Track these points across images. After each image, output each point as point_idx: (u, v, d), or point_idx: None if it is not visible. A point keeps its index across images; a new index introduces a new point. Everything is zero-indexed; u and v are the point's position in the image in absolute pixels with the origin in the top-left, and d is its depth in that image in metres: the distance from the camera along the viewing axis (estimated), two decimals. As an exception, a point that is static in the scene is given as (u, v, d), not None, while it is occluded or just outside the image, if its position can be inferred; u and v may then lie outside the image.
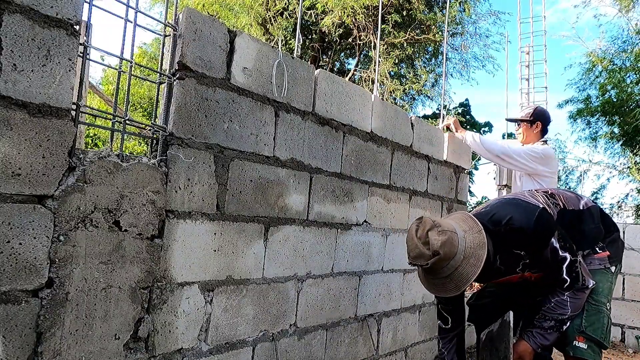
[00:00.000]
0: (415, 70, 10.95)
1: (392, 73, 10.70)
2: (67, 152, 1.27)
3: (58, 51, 1.23)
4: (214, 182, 1.68)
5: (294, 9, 9.66)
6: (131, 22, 1.48)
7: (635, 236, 4.56)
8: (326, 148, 2.18)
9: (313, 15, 9.61)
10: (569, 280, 1.84)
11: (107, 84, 13.33)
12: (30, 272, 1.20)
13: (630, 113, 10.96)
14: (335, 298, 2.27)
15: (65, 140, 1.26)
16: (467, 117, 16.81)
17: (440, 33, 9.86)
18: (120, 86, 1.51)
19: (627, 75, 11.58)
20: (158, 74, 1.59)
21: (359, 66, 11.19)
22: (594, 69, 12.63)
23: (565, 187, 13.43)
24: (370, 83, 10.11)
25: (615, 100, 11.79)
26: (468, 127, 15.16)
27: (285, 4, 9.75)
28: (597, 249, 2.05)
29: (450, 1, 9.85)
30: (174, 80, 1.56)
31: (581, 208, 2.07)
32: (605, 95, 12.16)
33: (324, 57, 11.11)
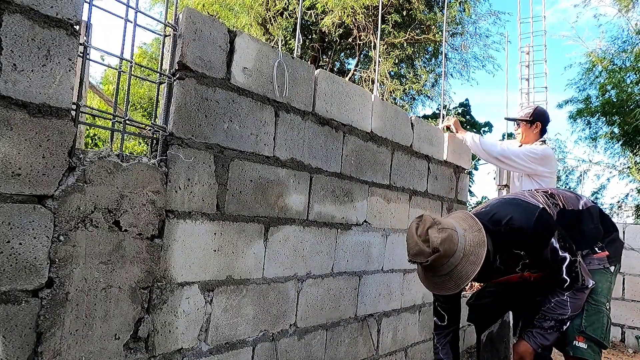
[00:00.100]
0: (415, 70, 10.95)
1: (392, 73, 10.70)
2: (67, 152, 1.27)
3: (58, 51, 1.23)
4: (214, 182, 1.68)
5: (294, 9, 9.66)
6: (131, 22, 1.48)
7: (635, 236, 4.56)
8: (326, 148, 2.18)
9: (313, 15, 9.61)
10: (568, 280, 1.84)
11: (107, 83, 13.33)
12: (30, 272, 1.20)
13: (630, 113, 10.96)
14: (335, 298, 2.27)
15: (65, 140, 1.26)
16: (467, 117, 16.80)
17: (440, 33, 9.86)
18: (120, 86, 1.51)
19: (627, 75, 11.58)
20: (158, 74, 1.59)
21: (359, 66, 11.19)
22: (594, 69, 12.64)
23: (565, 187, 13.43)
24: (370, 83, 10.11)
25: (615, 100, 11.79)
26: (468, 127, 15.17)
27: (285, 4, 9.75)
28: (596, 249, 2.05)
29: (450, 1, 9.85)
30: (174, 80, 1.56)
31: (581, 208, 2.07)
32: (605, 95, 12.16)
33: (324, 57, 11.11)
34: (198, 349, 1.64)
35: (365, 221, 2.46)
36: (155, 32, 1.73)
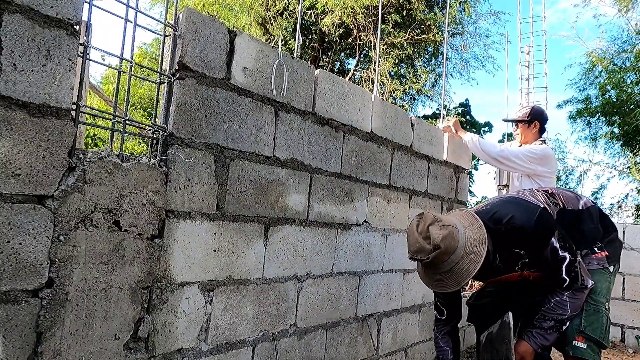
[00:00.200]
0: (415, 70, 10.95)
1: (392, 73, 10.70)
2: (67, 152, 1.27)
3: (58, 51, 1.23)
4: (214, 182, 1.68)
5: (294, 9, 9.66)
6: (131, 22, 1.48)
7: (635, 236, 4.56)
8: (326, 148, 2.18)
9: (313, 15, 9.61)
10: (568, 279, 1.84)
11: (107, 83, 13.33)
12: (30, 272, 1.20)
13: (630, 113, 10.95)
14: (335, 298, 2.27)
15: (65, 140, 1.26)
16: (467, 117, 16.81)
17: (440, 33, 9.86)
18: (120, 86, 1.51)
19: (627, 75, 11.57)
20: (158, 74, 1.59)
21: (359, 66, 11.19)
22: (594, 69, 12.63)
23: (565, 187, 13.41)
24: (370, 83, 10.11)
25: (615, 100, 11.78)
26: (468, 127, 15.17)
27: (285, 4, 9.75)
28: (595, 249, 2.05)
29: (450, 1, 9.85)
30: (174, 80, 1.56)
31: (580, 208, 2.07)
32: (605, 96, 12.15)
33: (324, 57, 11.11)
34: (198, 349, 1.64)
35: (365, 221, 2.46)
36: (155, 32, 1.73)
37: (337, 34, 9.75)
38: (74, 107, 1.31)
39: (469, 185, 7.86)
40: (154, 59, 12.24)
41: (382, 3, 9.07)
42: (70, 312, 1.28)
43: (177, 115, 1.55)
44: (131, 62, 1.51)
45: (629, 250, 4.45)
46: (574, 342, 1.93)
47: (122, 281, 1.40)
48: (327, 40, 10.67)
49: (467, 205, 3.58)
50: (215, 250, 1.69)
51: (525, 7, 17.44)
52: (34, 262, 1.20)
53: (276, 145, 1.93)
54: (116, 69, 1.51)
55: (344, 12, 9.05)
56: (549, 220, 1.86)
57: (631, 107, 11.12)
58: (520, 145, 3.25)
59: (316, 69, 2.17)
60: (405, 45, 9.88)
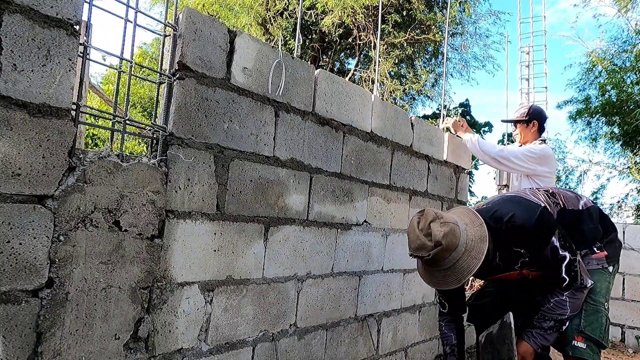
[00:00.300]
0: (415, 70, 10.95)
1: (392, 73, 10.70)
2: (67, 152, 1.27)
3: (58, 51, 1.23)
4: (214, 182, 1.68)
5: (294, 9, 9.66)
6: (131, 22, 1.48)
7: (635, 236, 4.56)
8: (326, 148, 2.18)
9: (313, 15, 9.61)
10: (567, 279, 1.84)
11: (107, 83, 13.33)
12: (30, 272, 1.20)
13: (630, 113, 10.95)
14: (335, 298, 2.27)
15: (65, 140, 1.26)
16: (467, 117, 16.81)
17: (440, 33, 9.87)
18: (120, 86, 1.51)
19: (627, 75, 11.57)
20: (158, 74, 1.59)
21: (359, 66, 11.19)
22: (594, 69, 12.63)
23: (565, 187, 13.41)
24: (370, 83, 10.11)
25: (615, 100, 11.78)
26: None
27: (285, 4, 9.76)
28: (594, 249, 2.05)
29: (450, 1, 9.85)
30: (174, 80, 1.56)
31: (581, 208, 2.07)
32: (605, 96, 12.15)
33: (324, 57, 11.11)
34: (198, 349, 1.64)
35: (365, 221, 2.46)
36: (155, 32, 1.73)
37: (337, 34, 9.75)
38: (74, 107, 1.31)
39: (469, 185, 7.86)
40: (154, 59, 12.24)
41: (382, 3, 9.07)
42: (70, 312, 1.28)
43: (177, 115, 1.55)
44: (131, 62, 1.51)
45: (629, 250, 4.45)
46: (573, 342, 1.93)
47: (122, 281, 1.40)
48: (327, 40, 10.68)
49: (467, 205, 3.58)
50: (215, 250, 1.69)
51: (525, 7, 17.45)
52: (34, 262, 1.20)
53: (276, 145, 1.93)
54: (116, 69, 1.51)
55: (344, 12, 9.05)
56: (550, 219, 1.87)
57: (631, 107, 11.12)
58: (521, 146, 3.25)
59: (316, 69, 2.17)
60: (405, 45, 9.88)
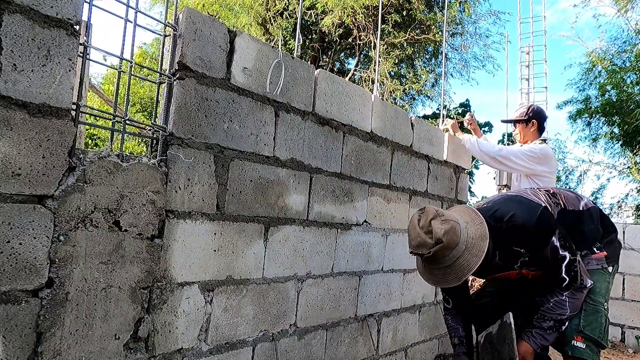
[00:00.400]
0: (415, 70, 10.95)
1: (392, 73, 10.70)
2: (67, 152, 1.27)
3: (58, 51, 1.23)
4: (214, 182, 1.68)
5: (294, 9, 9.66)
6: (131, 22, 1.48)
7: (635, 236, 4.56)
8: (326, 148, 2.18)
9: (313, 15, 9.61)
10: (567, 279, 1.84)
11: (107, 83, 13.34)
12: (30, 272, 1.20)
13: (631, 113, 10.95)
14: (335, 298, 2.27)
15: (65, 140, 1.26)
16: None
17: (440, 33, 9.87)
18: (120, 86, 1.51)
19: (627, 75, 11.57)
20: (158, 74, 1.59)
21: (359, 66, 11.19)
22: (593, 69, 12.63)
23: (566, 187, 13.41)
24: (370, 83, 10.11)
25: (615, 100, 11.78)
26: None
27: (285, 4, 9.76)
28: (594, 249, 2.05)
29: (450, 1, 9.85)
30: (174, 80, 1.56)
31: (581, 209, 2.07)
32: (605, 96, 12.15)
33: (324, 57, 11.11)
34: (198, 349, 1.64)
35: (365, 221, 2.46)
36: (155, 32, 1.73)
37: (337, 34, 9.75)
38: (74, 107, 1.31)
39: (469, 185, 7.86)
40: (154, 59, 12.24)
41: (382, 3, 9.07)
42: (70, 312, 1.28)
43: (177, 115, 1.55)
44: (131, 62, 1.51)
45: (629, 250, 4.45)
46: (572, 342, 1.93)
47: (122, 281, 1.40)
48: (327, 40, 10.68)
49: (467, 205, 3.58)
50: (215, 250, 1.69)
51: (525, 7, 17.45)
52: (34, 262, 1.20)
53: (276, 145, 1.93)
54: (116, 69, 1.51)
55: (344, 12, 9.05)
56: (550, 219, 1.87)
57: (631, 107, 11.11)
58: (521, 146, 3.25)
59: (316, 69, 2.17)
60: (405, 45, 9.88)
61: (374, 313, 2.55)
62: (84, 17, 1.32)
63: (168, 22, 1.58)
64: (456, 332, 2.20)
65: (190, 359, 1.61)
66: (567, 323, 1.91)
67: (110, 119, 1.53)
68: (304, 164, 2.06)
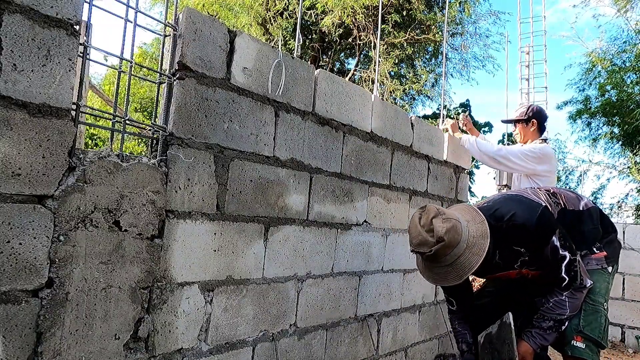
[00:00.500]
0: (415, 70, 10.95)
1: (392, 73, 10.70)
2: (67, 152, 1.27)
3: (58, 51, 1.23)
4: (214, 182, 1.68)
5: (294, 9, 9.66)
6: (131, 22, 1.48)
7: (635, 236, 4.56)
8: (326, 148, 2.18)
9: (313, 15, 9.61)
10: (567, 279, 1.84)
11: (108, 84, 13.33)
12: (30, 272, 1.20)
13: (630, 113, 10.95)
14: (335, 298, 2.27)
15: (65, 140, 1.26)
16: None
17: (440, 33, 9.87)
18: (120, 86, 1.51)
19: (627, 75, 11.57)
20: (158, 74, 1.59)
21: (359, 66, 11.19)
22: (593, 69, 12.63)
23: (566, 187, 13.41)
24: (370, 83, 10.11)
25: (615, 100, 11.78)
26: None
27: (285, 4, 9.76)
28: (594, 249, 2.05)
29: (450, 1, 9.85)
30: (174, 80, 1.56)
31: (581, 209, 2.07)
32: (605, 96, 12.15)
33: (324, 57, 11.11)
34: (198, 349, 1.64)
35: (365, 221, 2.46)
36: (155, 32, 1.73)
37: (337, 34, 9.75)
38: (74, 107, 1.31)
39: (469, 185, 7.87)
40: (154, 59, 12.24)
41: (382, 3, 9.07)
42: (70, 312, 1.28)
43: (177, 115, 1.55)
44: (131, 62, 1.51)
45: (629, 250, 4.45)
46: (572, 342, 1.93)
47: (122, 281, 1.40)
48: (327, 40, 10.67)
49: (467, 205, 3.58)
50: (215, 250, 1.69)
51: (525, 7, 17.45)
52: (34, 262, 1.20)
53: (276, 145, 1.93)
54: (116, 69, 1.51)
55: (344, 12, 9.05)
56: (550, 219, 1.87)
57: (631, 107, 11.11)
58: (522, 146, 3.24)
59: (316, 69, 2.17)
60: (405, 45, 9.88)
61: (374, 313, 2.55)
62: (84, 17, 1.32)
63: (168, 22, 1.58)
64: (464, 337, 2.18)
65: (190, 359, 1.61)
66: (566, 323, 1.91)
67: (110, 119, 1.53)
68: (304, 164, 2.06)
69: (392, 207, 2.66)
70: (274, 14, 9.92)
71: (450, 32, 10.65)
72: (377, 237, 2.56)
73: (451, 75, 11.80)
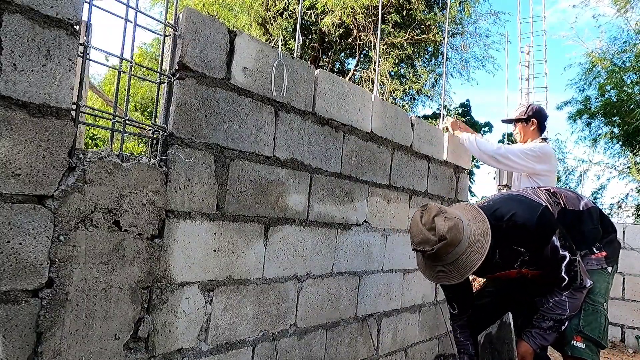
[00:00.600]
0: (415, 70, 10.95)
1: (392, 73, 10.70)
2: (67, 152, 1.27)
3: (58, 51, 1.23)
4: (214, 182, 1.68)
5: (294, 9, 9.66)
6: (131, 22, 1.48)
7: (635, 236, 4.56)
8: (326, 148, 2.18)
9: (313, 15, 9.61)
10: (567, 279, 1.84)
11: (108, 84, 13.33)
12: (30, 272, 1.20)
13: (630, 113, 10.95)
14: (335, 298, 2.27)
15: (65, 140, 1.26)
16: (467, 117, 16.81)
17: (440, 33, 9.87)
18: (120, 86, 1.51)
19: (627, 75, 11.57)
20: (158, 74, 1.59)
21: (359, 66, 11.19)
22: (593, 69, 12.63)
23: (566, 187, 13.40)
24: (370, 83, 10.11)
25: (615, 100, 11.78)
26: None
27: (285, 4, 9.76)
28: (594, 249, 2.05)
29: (450, 1, 9.85)
30: (174, 80, 1.56)
31: (581, 209, 2.07)
32: (605, 96, 12.16)
33: (324, 57, 11.11)
34: (198, 349, 1.64)
35: (365, 221, 2.46)
36: (155, 32, 1.73)
37: (337, 34, 9.75)
38: (74, 107, 1.31)
39: (469, 185, 7.87)
40: (154, 59, 12.24)
41: (382, 3, 9.07)
42: (70, 312, 1.28)
43: (177, 115, 1.55)
44: (131, 62, 1.51)
45: (629, 250, 4.45)
46: (572, 342, 1.93)
47: (122, 281, 1.40)
48: (327, 40, 10.67)
49: (467, 205, 3.58)
50: (215, 250, 1.69)
51: (525, 7, 17.44)
52: (34, 262, 1.20)
53: (276, 145, 1.93)
54: (116, 69, 1.51)
55: (344, 12, 9.05)
56: (551, 218, 1.87)
57: (631, 107, 11.11)
58: (522, 145, 3.24)
59: (316, 69, 2.17)
60: (405, 45, 9.88)
61: (374, 313, 2.55)
62: (84, 17, 1.32)
63: (168, 22, 1.58)
64: (466, 349, 2.16)
65: (190, 359, 1.61)
66: (566, 323, 1.91)
67: (110, 119, 1.53)
68: (304, 164, 2.06)
69: (392, 207, 2.66)
70: (274, 14, 9.92)
71: (450, 32, 10.65)
72: (377, 237, 2.56)
73: (451, 75, 11.81)
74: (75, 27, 1.27)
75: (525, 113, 3.18)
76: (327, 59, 11.11)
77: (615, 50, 12.30)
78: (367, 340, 2.50)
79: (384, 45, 9.86)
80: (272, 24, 10.03)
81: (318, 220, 2.15)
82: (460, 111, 15.17)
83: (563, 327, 1.91)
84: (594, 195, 14.06)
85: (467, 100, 17.88)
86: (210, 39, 1.65)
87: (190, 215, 1.60)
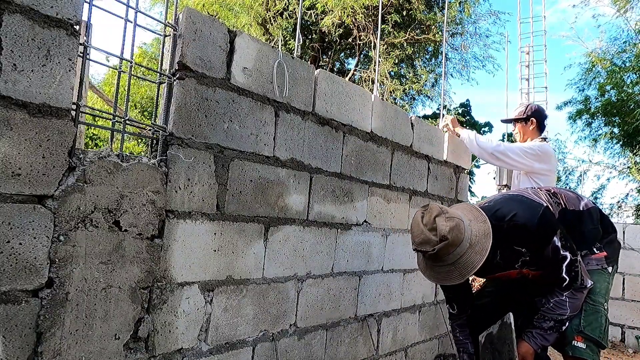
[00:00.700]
0: (415, 70, 10.95)
1: (392, 73, 10.70)
2: (67, 152, 1.27)
3: (58, 51, 1.23)
4: (214, 182, 1.68)
5: (294, 9, 9.66)
6: (131, 22, 1.48)
7: (635, 236, 4.56)
8: (326, 148, 2.18)
9: (313, 15, 9.61)
10: (567, 279, 1.84)
11: (107, 85, 13.33)
12: (30, 272, 1.20)
13: (630, 113, 10.95)
14: (335, 298, 2.27)
15: (65, 140, 1.26)
16: (467, 117, 16.81)
17: (440, 33, 9.87)
18: (120, 86, 1.51)
19: (627, 75, 11.57)
20: (158, 74, 1.59)
21: (359, 66, 11.19)
22: (593, 69, 12.63)
23: (566, 187, 13.41)
24: (370, 83, 10.11)
25: (615, 100, 11.78)
26: (467, 127, 15.14)
27: (285, 4, 9.76)
28: (594, 249, 2.05)
29: (450, 1, 9.85)
30: (174, 80, 1.56)
31: (581, 209, 2.07)
32: (605, 96, 12.16)
33: (324, 57, 11.11)
34: (198, 349, 1.64)
35: (365, 221, 2.46)
36: (155, 32, 1.73)
37: (337, 34, 9.75)
38: (74, 107, 1.31)
39: (469, 185, 7.87)
40: (154, 59, 12.23)
41: (382, 3, 9.08)
42: (70, 312, 1.28)
43: (177, 115, 1.55)
44: (131, 62, 1.51)
45: (629, 250, 4.45)
46: (573, 342, 1.93)
47: (122, 281, 1.40)
48: (327, 40, 10.67)
49: (467, 205, 3.58)
50: (215, 250, 1.69)
51: (525, 7, 17.45)
52: (34, 262, 1.20)
53: (276, 145, 1.93)
54: (116, 69, 1.51)
55: (344, 12, 9.05)
56: (552, 219, 1.86)
57: (631, 107, 11.11)
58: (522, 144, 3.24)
59: (316, 69, 2.17)
60: (405, 45, 9.88)
61: (374, 313, 2.55)
62: (84, 17, 1.32)
63: (168, 22, 1.58)
64: (465, 347, 2.16)
65: (191, 359, 1.61)
66: (567, 323, 1.90)
67: (110, 119, 1.53)
68: (304, 164, 2.06)
69: (392, 207, 2.66)
70: (274, 14, 9.92)
71: (450, 32, 10.65)
72: (377, 237, 2.56)
73: (451, 75, 11.82)
74: (75, 27, 1.27)
75: (525, 112, 3.18)
76: (327, 59, 11.11)
77: (615, 50, 12.31)
78: (367, 340, 2.50)
79: (384, 45, 9.86)
80: (272, 24, 10.03)
81: (318, 220, 2.15)
82: (460, 111, 15.16)
83: (564, 328, 1.90)
84: (594, 195, 14.07)
85: (467, 100, 17.87)
86: (210, 39, 1.65)
87: (190, 215, 1.60)
